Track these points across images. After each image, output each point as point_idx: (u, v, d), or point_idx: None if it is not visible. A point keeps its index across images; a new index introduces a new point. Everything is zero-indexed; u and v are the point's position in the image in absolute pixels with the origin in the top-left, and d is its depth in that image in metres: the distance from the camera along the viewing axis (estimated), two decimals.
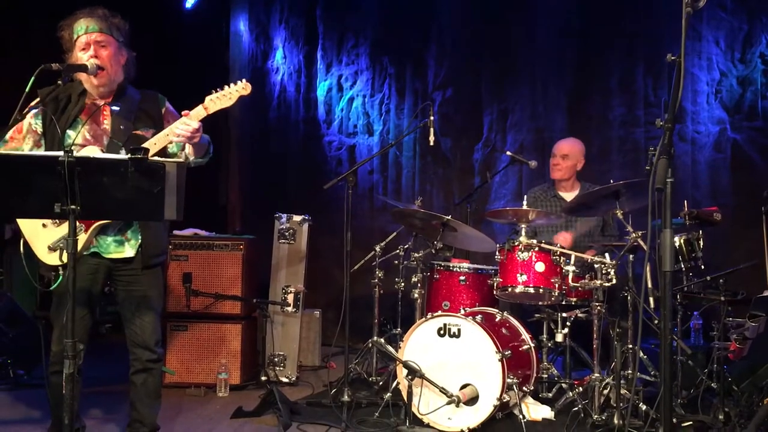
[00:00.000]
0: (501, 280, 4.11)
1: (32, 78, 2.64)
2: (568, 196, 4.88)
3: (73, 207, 2.41)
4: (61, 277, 2.87)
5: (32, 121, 3.06)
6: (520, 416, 3.76)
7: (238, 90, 3.04)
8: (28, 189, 2.45)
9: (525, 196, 4.43)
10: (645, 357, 4.28)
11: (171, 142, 3.05)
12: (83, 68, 2.94)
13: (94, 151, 2.96)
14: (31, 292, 6.09)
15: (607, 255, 4.02)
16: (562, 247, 4.13)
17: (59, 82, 2.83)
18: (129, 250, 3.08)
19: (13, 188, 2.46)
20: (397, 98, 6.50)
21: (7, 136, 3.04)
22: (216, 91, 3.03)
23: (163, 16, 6.54)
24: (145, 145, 2.94)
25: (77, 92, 3.08)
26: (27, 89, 2.65)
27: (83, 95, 3.08)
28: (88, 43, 3.00)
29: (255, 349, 4.95)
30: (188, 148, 3.08)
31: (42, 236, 2.95)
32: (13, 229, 5.55)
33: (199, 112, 2.99)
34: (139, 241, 3.08)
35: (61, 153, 2.38)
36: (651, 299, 3.94)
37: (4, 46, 5.97)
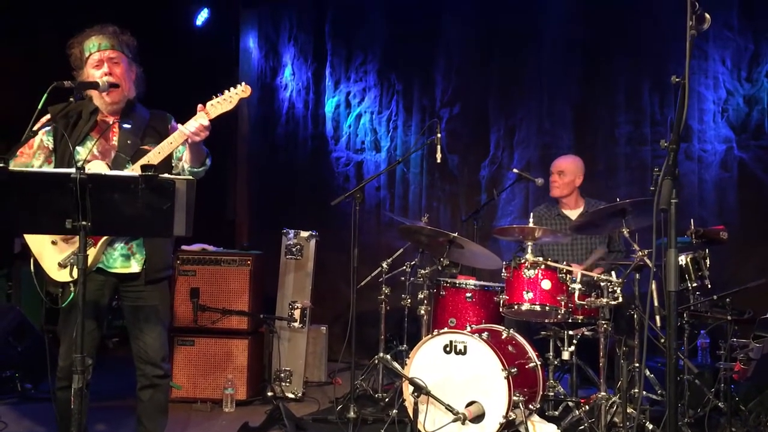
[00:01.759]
0: (507, 297, 4.11)
1: (45, 95, 2.65)
2: (572, 213, 4.88)
3: (84, 223, 2.44)
4: (72, 293, 2.88)
5: (44, 137, 3.08)
6: None
7: (238, 93, 3.02)
8: (40, 205, 2.48)
9: (531, 214, 4.44)
10: (651, 376, 4.27)
11: (174, 150, 3.05)
12: (95, 85, 2.97)
13: (100, 166, 2.97)
14: (39, 306, 6.08)
15: (613, 273, 4.03)
16: (568, 265, 4.14)
17: (71, 99, 2.85)
18: (135, 266, 3.08)
19: (26, 204, 2.49)
20: (404, 115, 6.53)
21: (18, 151, 3.04)
22: (216, 96, 3.01)
23: (173, 32, 6.60)
24: (150, 154, 2.97)
25: (89, 110, 3.09)
26: (39, 106, 2.66)
27: (95, 113, 3.10)
28: (101, 60, 3.03)
29: (261, 364, 4.96)
30: (186, 155, 3.09)
31: (52, 253, 2.97)
32: (22, 244, 5.57)
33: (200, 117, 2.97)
34: (144, 256, 3.09)
35: (73, 170, 2.41)
36: (657, 318, 3.94)
37: (14, 61, 6.03)
